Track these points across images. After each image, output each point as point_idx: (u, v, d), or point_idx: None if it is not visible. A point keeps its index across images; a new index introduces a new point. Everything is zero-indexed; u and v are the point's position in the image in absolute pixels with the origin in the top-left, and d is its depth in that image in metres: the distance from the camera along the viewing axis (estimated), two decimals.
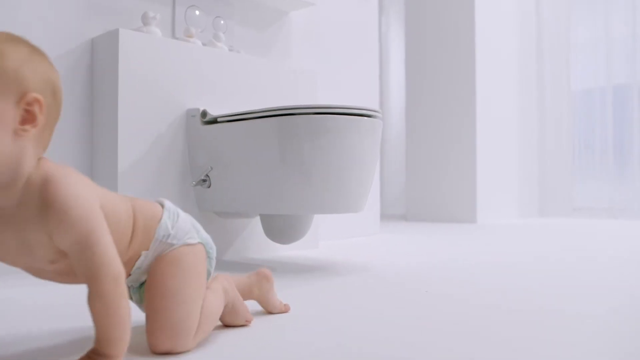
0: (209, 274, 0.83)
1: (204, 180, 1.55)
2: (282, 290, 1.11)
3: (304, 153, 1.35)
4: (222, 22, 1.93)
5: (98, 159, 1.53)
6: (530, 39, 3.92)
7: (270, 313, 0.96)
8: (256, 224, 1.80)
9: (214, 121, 1.55)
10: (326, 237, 2.24)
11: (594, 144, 3.77)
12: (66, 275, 0.68)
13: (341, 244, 2.16)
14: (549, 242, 2.21)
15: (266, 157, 1.41)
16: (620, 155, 3.67)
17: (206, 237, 0.81)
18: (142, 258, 0.73)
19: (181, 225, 0.76)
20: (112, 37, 1.50)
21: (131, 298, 0.79)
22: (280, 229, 1.52)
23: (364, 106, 1.39)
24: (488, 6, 3.53)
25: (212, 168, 1.53)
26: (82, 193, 0.61)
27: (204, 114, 1.57)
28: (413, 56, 3.70)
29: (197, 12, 1.86)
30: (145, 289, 0.75)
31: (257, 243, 1.81)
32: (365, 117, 1.38)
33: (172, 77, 1.59)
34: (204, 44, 1.86)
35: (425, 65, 3.63)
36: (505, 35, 3.68)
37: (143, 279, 0.77)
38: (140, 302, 0.80)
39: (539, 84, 3.95)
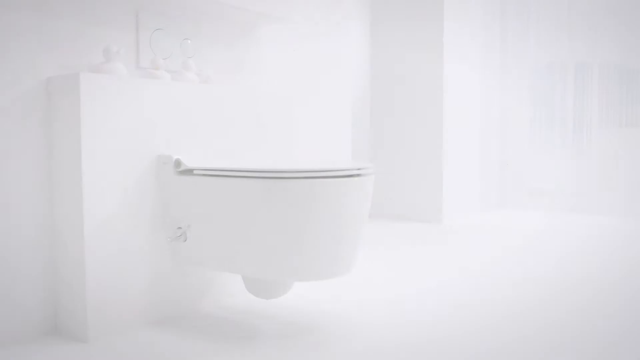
0: None
1: (180, 235, 1.45)
2: None
3: (291, 218, 1.27)
4: (189, 42, 1.78)
5: (60, 220, 1.39)
6: (494, 21, 3.88)
7: None
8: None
9: (189, 172, 1.44)
10: None
11: (553, 123, 3.85)
12: None
13: None
14: (519, 262, 2.25)
15: (249, 219, 1.32)
16: (579, 134, 3.77)
17: None
18: None
19: None
20: (72, 81, 1.34)
21: None
22: (264, 286, 1.45)
23: (352, 166, 1.32)
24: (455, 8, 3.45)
25: (190, 226, 1.43)
26: None
27: (177, 163, 1.45)
28: (377, 46, 3.59)
29: (163, 36, 1.70)
30: None
31: (232, 289, 1.73)
32: (355, 177, 1.31)
33: (140, 119, 1.44)
34: (171, 73, 1.71)
35: (389, 55, 3.54)
36: (471, 21, 3.62)
37: None
38: None
39: (502, 63, 3.95)
